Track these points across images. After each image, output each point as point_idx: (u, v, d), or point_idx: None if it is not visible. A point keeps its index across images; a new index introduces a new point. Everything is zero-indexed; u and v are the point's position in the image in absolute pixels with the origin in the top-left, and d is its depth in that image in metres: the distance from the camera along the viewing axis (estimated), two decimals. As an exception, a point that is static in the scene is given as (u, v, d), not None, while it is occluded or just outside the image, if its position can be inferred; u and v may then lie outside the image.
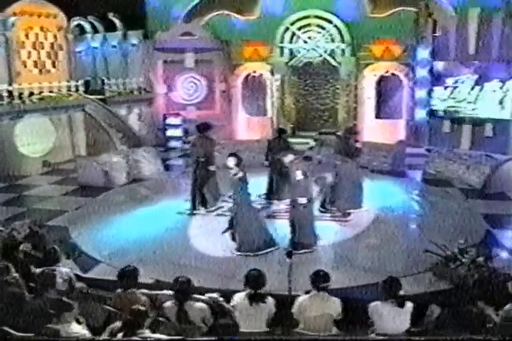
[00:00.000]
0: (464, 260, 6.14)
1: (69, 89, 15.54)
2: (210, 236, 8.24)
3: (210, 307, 5.01)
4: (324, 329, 4.82)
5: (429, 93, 15.94)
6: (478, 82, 14.65)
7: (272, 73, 17.05)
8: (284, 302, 5.11)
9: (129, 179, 12.06)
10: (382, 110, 17.14)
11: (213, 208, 9.74)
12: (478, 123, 15.13)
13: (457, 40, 15.18)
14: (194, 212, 9.64)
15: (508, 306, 4.76)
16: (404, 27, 15.78)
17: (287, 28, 16.33)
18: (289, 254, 6.15)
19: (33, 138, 13.79)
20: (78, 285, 6.00)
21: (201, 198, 9.80)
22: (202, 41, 17.02)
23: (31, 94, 14.05)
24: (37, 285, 5.45)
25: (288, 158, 7.47)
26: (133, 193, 11.07)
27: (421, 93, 16.12)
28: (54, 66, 16.75)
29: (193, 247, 7.89)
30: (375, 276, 6.19)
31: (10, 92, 13.84)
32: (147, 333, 4.31)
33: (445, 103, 15.47)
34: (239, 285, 5.34)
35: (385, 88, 16.89)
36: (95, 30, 17.36)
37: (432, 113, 16.02)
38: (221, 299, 5.12)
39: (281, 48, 16.58)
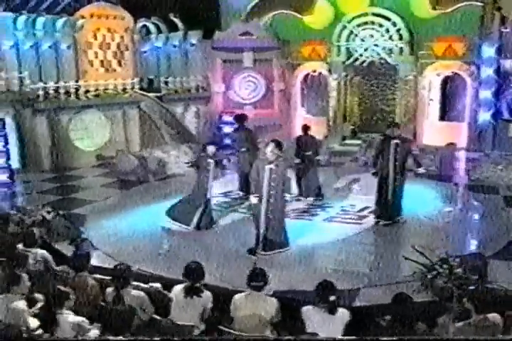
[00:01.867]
0: (440, 270, 5.71)
1: (132, 87, 16.30)
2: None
3: (150, 296, 5.06)
4: (254, 330, 4.69)
5: (495, 94, 14.93)
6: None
7: (330, 73, 16.78)
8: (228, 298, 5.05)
9: (165, 174, 12.40)
10: (443, 112, 16.28)
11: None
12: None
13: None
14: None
15: (440, 319, 4.40)
16: (468, 23, 14.88)
17: (344, 27, 15.99)
18: (252, 252, 6.10)
19: (88, 133, 14.62)
20: (60, 268, 6.29)
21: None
22: (261, 40, 17.10)
23: (87, 91, 14.84)
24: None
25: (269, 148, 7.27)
26: (161, 188, 11.38)
27: (486, 94, 15.11)
28: (120, 65, 17.63)
29: (195, 243, 7.98)
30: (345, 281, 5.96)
31: (77, 89, 14.86)
32: (67, 314, 4.46)
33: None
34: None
35: (446, 88, 16.03)
36: (159, 31, 18.00)
37: (497, 115, 15.00)
38: (160, 289, 5.15)
39: (338, 47, 16.26)
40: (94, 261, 6.67)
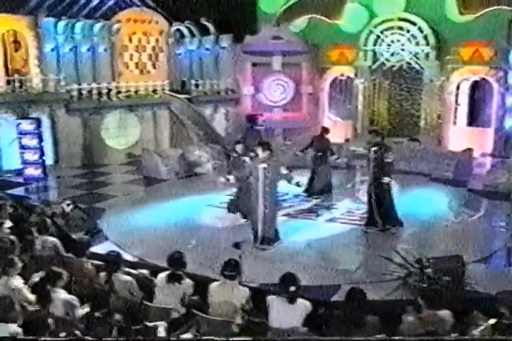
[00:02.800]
0: (411, 269, 6.06)
1: (163, 88, 17.09)
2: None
3: (138, 282, 5.64)
4: (226, 316, 5.19)
5: (523, 100, 14.92)
6: None
7: (357, 76, 17.08)
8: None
9: (186, 173, 13.01)
10: (470, 117, 16.31)
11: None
12: None
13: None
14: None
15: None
16: (496, 28, 14.87)
17: (371, 31, 16.26)
18: (237, 245, 6.61)
19: (119, 132, 15.45)
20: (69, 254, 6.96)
21: None
22: (290, 44, 17.57)
23: (119, 92, 15.68)
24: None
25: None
26: (182, 186, 12.01)
27: (512, 99, 15.11)
28: (154, 67, 18.47)
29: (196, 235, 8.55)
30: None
31: (109, 90, 15.74)
32: (59, 291, 5.08)
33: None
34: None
35: (473, 94, 16.06)
36: (192, 35, 18.73)
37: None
38: (148, 275, 5.72)
39: (365, 52, 16.54)
40: (101, 250, 7.36)
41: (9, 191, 11.33)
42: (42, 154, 13.16)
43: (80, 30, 16.53)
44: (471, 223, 9.23)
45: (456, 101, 16.29)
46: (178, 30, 18.82)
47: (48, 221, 7.06)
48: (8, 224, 7.12)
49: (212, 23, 18.23)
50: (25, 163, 12.98)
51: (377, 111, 17.81)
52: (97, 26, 16.88)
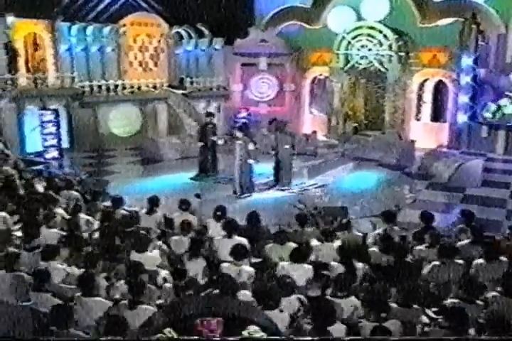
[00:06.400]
0: (313, 211, 9.63)
1: (163, 85, 20.76)
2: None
3: (131, 215, 9.29)
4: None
5: (472, 99, 18.38)
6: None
7: (333, 77, 20.66)
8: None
9: (178, 156, 16.66)
10: (432, 114, 19.79)
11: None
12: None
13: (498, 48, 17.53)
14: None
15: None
16: (451, 36, 18.24)
17: (343, 37, 19.81)
18: (198, 196, 10.25)
19: (124, 122, 19.16)
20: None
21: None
22: (275, 47, 21.18)
23: (124, 88, 19.40)
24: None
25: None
26: (173, 166, 15.66)
27: (463, 98, 18.56)
28: (156, 65, 22.14)
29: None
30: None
31: (116, 86, 19.45)
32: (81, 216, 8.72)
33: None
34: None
35: (432, 93, 19.58)
36: (190, 37, 22.40)
37: (473, 118, 18.43)
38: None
39: (337, 55, 20.09)
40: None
41: (34, 167, 15.05)
42: (59, 139, 16.92)
43: (91, 32, 20.23)
44: (380, 193, 12.75)
45: (421, 99, 19.85)
46: (178, 32, 22.48)
47: (73, 180, 10.74)
48: (43, 183, 10.81)
49: (207, 27, 21.87)
50: (45, 146, 16.73)
51: (352, 108, 21.36)
52: (106, 29, 20.57)
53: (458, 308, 5.00)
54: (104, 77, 19.88)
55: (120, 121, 19.17)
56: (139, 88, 19.85)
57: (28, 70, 19.36)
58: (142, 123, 19.73)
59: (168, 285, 5.98)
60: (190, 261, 6.62)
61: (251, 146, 12.34)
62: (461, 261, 6.51)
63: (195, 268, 6.57)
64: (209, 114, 15.15)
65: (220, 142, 13.93)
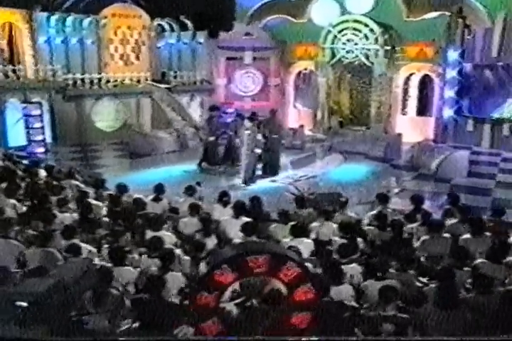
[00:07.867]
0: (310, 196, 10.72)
1: (146, 78, 21.67)
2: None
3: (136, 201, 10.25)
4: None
5: (458, 93, 19.68)
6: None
7: (319, 71, 21.82)
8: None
9: (164, 150, 17.62)
10: (418, 108, 21.08)
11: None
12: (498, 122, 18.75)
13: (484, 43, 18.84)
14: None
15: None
16: (437, 30, 19.53)
17: (329, 31, 20.98)
18: (198, 184, 11.27)
19: (107, 116, 20.04)
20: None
21: None
22: (260, 41, 22.27)
23: (107, 81, 20.28)
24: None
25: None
26: (159, 160, 16.59)
27: (449, 93, 19.86)
28: (137, 59, 23.00)
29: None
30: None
31: (99, 79, 20.30)
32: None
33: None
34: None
35: (418, 87, 20.87)
36: (172, 30, 23.35)
37: (459, 112, 19.74)
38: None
39: (323, 49, 21.24)
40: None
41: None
42: (43, 133, 17.73)
43: (71, 23, 20.96)
44: (370, 183, 13.92)
45: (406, 93, 21.14)
46: (159, 24, 23.41)
47: (72, 170, 11.66)
48: (43, 173, 11.71)
49: (191, 19, 22.86)
50: (29, 140, 17.52)
51: (337, 102, 22.58)
52: (86, 21, 21.35)
53: (447, 268, 6.10)
54: (84, 70, 20.68)
55: (104, 115, 20.03)
56: (122, 82, 20.72)
57: (4, 62, 19.98)
58: (126, 118, 20.60)
59: (186, 257, 6.98)
60: (204, 239, 7.63)
61: (259, 136, 13.68)
62: (448, 235, 7.64)
63: (209, 245, 7.59)
64: (213, 108, 16.16)
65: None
